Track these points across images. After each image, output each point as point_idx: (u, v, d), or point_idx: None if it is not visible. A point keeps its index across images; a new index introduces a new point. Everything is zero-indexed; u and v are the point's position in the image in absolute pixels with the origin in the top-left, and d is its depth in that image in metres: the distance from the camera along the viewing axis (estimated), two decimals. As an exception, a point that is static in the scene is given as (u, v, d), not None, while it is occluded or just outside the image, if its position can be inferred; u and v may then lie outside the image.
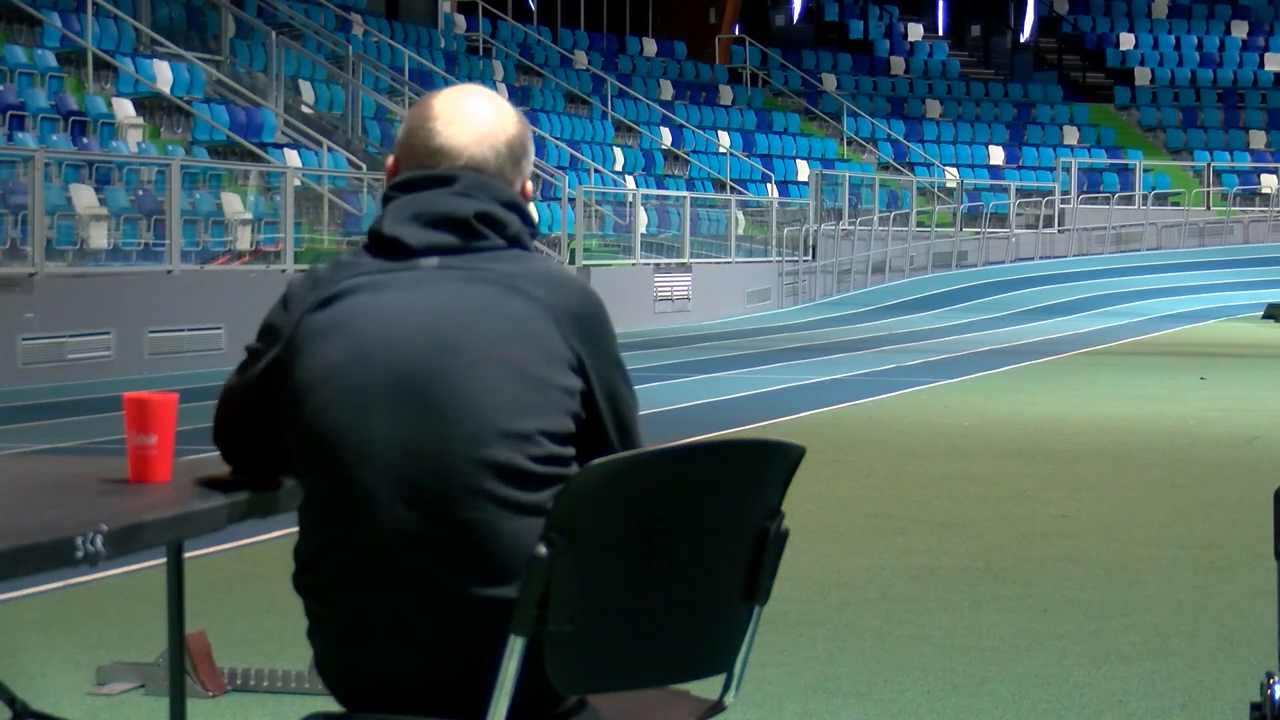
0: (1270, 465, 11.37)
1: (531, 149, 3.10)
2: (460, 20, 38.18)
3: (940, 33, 49.78)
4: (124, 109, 23.34)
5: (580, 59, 39.12)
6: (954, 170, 41.80)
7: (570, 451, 2.87)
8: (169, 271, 19.50)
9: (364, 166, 26.09)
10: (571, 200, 27.96)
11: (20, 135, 20.74)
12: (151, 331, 18.56)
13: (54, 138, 21.31)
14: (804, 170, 38.58)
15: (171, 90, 24.95)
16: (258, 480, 3.09)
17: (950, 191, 40.85)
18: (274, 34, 27.96)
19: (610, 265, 28.58)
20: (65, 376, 17.19)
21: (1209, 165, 43.78)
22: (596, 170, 32.30)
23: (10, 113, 21.13)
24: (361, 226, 23.02)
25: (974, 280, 36.66)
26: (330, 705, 2.92)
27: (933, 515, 9.34)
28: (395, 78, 30.97)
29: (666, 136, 37.00)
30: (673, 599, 2.83)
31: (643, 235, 29.57)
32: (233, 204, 21.54)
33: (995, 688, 5.77)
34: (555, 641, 2.70)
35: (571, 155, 32.30)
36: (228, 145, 24.07)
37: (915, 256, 37.25)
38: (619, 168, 33.95)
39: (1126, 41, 49.22)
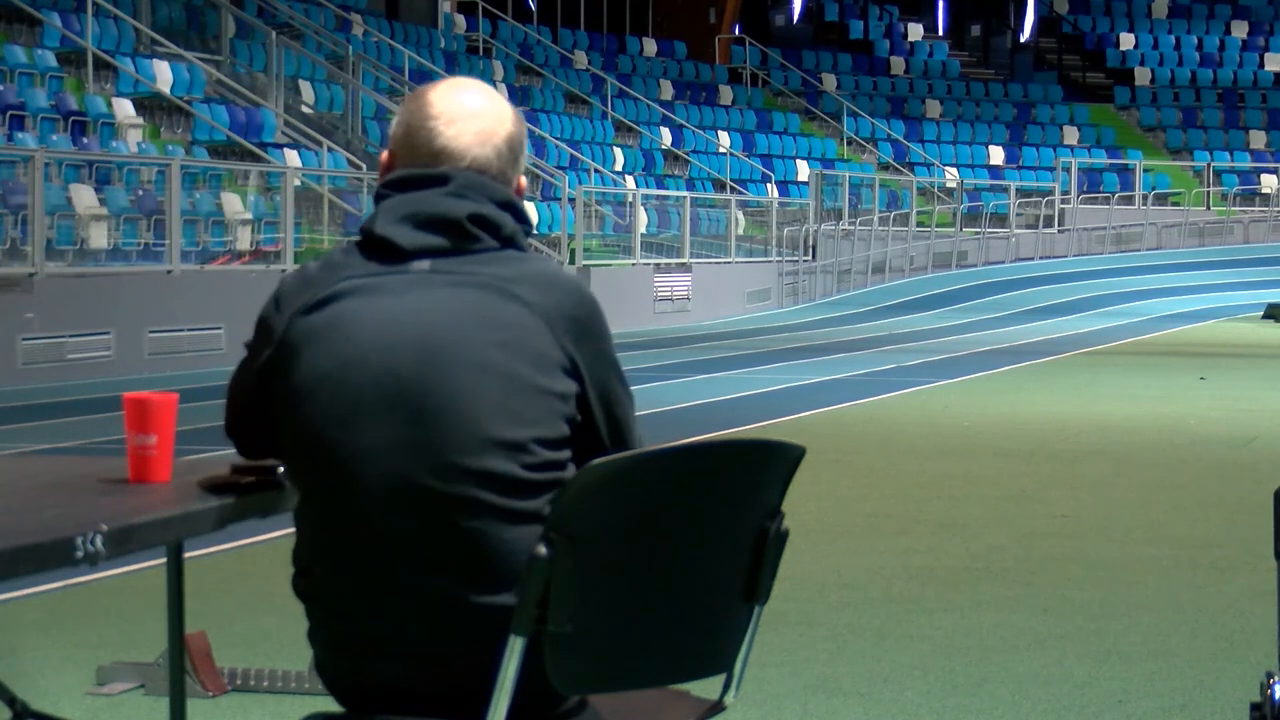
0: (1270, 465, 11.37)
1: (526, 143, 3.09)
2: (460, 20, 38.18)
3: (940, 33, 49.78)
4: (124, 109, 23.34)
5: (580, 59, 39.12)
6: (954, 170, 41.80)
7: (565, 455, 2.86)
8: (169, 271, 19.50)
9: (364, 166, 26.09)
10: (571, 200, 27.96)
11: (20, 135, 20.74)
12: (151, 331, 18.56)
13: (54, 138, 21.32)
14: (804, 170, 38.58)
15: (171, 90, 24.95)
16: (267, 473, 3.09)
17: (950, 191, 40.86)
18: (274, 34, 27.96)
19: (610, 265, 28.58)
20: (65, 376, 17.19)
21: (1209, 165, 43.79)
22: (596, 170, 32.30)
23: (10, 113, 21.13)
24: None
25: (974, 280, 36.66)
26: (330, 705, 2.92)
27: (933, 515, 9.34)
28: (395, 78, 30.97)
29: (666, 136, 37.00)
30: (673, 599, 2.83)
31: (643, 235, 29.57)
32: (233, 204, 21.54)
33: (995, 688, 5.77)
34: (555, 641, 2.70)
35: (571, 155, 32.30)
36: (228, 145, 24.07)
37: (915, 256, 37.25)
38: (619, 168, 33.95)
39: (1126, 41, 49.23)
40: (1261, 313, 31.90)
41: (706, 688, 3.00)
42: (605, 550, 2.74)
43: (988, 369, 19.72)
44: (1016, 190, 40.94)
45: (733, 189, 35.36)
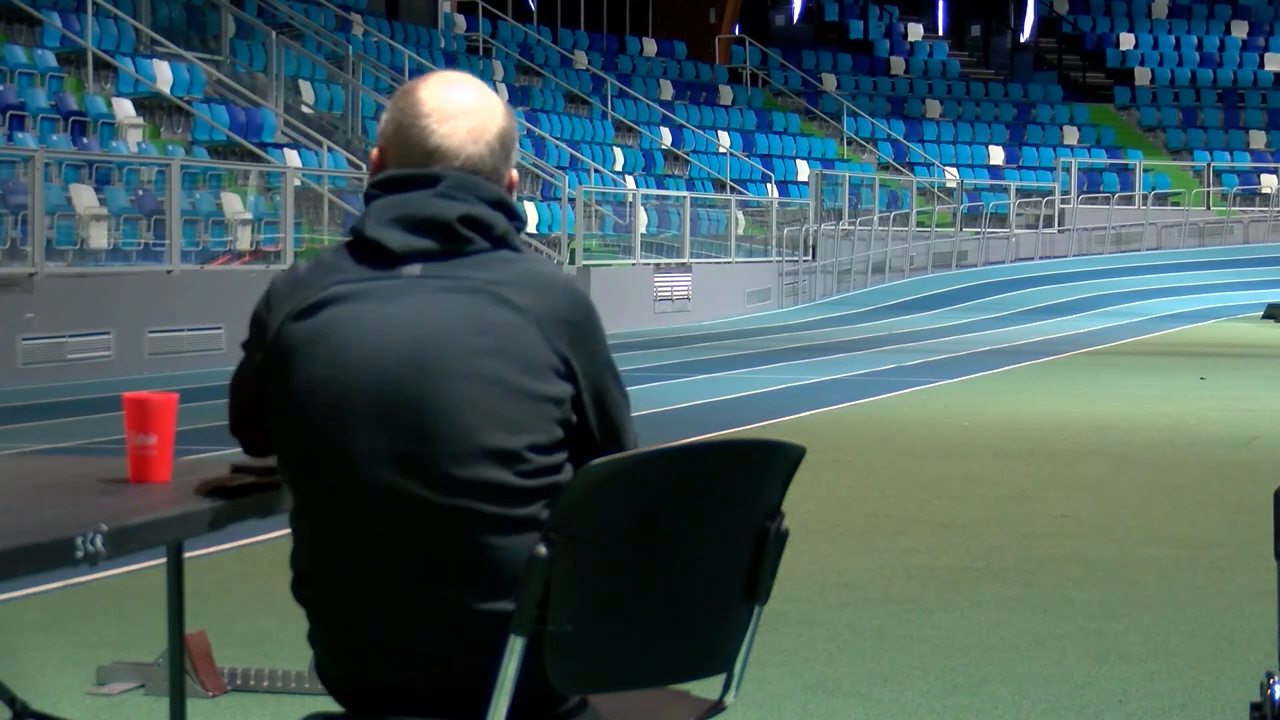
0: (1270, 465, 11.37)
1: (518, 136, 3.07)
2: (460, 20, 38.18)
3: (940, 33, 49.78)
4: (124, 109, 23.35)
5: (580, 59, 39.12)
6: (954, 170, 41.80)
7: (561, 459, 2.85)
8: (169, 271, 19.50)
9: (364, 166, 26.05)
10: (571, 200, 27.96)
11: (20, 135, 20.74)
12: (151, 331, 18.56)
13: (54, 138, 21.32)
14: (804, 170, 38.58)
15: (171, 90, 24.95)
16: (267, 473, 3.08)
17: (950, 191, 40.86)
18: (274, 34, 27.96)
19: (610, 265, 28.58)
20: (65, 376, 17.19)
21: (1209, 165, 43.79)
22: (596, 170, 32.30)
23: (10, 113, 21.13)
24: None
25: (974, 280, 36.66)
26: (330, 705, 2.92)
27: (933, 515, 9.34)
28: (395, 78, 30.96)
29: (666, 136, 37.00)
30: (673, 599, 2.83)
31: (643, 235, 29.57)
32: (233, 204, 21.54)
33: (995, 688, 5.77)
34: (555, 641, 2.70)
35: (571, 155, 32.31)
36: (228, 145, 24.07)
37: (915, 256, 37.25)
38: (619, 168, 33.95)
39: (1126, 41, 49.23)
40: (1261, 313, 31.90)
41: (706, 688, 3.00)
42: (605, 550, 2.74)
43: (988, 369, 19.72)
44: (1016, 190, 40.94)
45: (733, 189, 35.36)
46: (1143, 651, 6.29)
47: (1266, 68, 48.20)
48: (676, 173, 36.00)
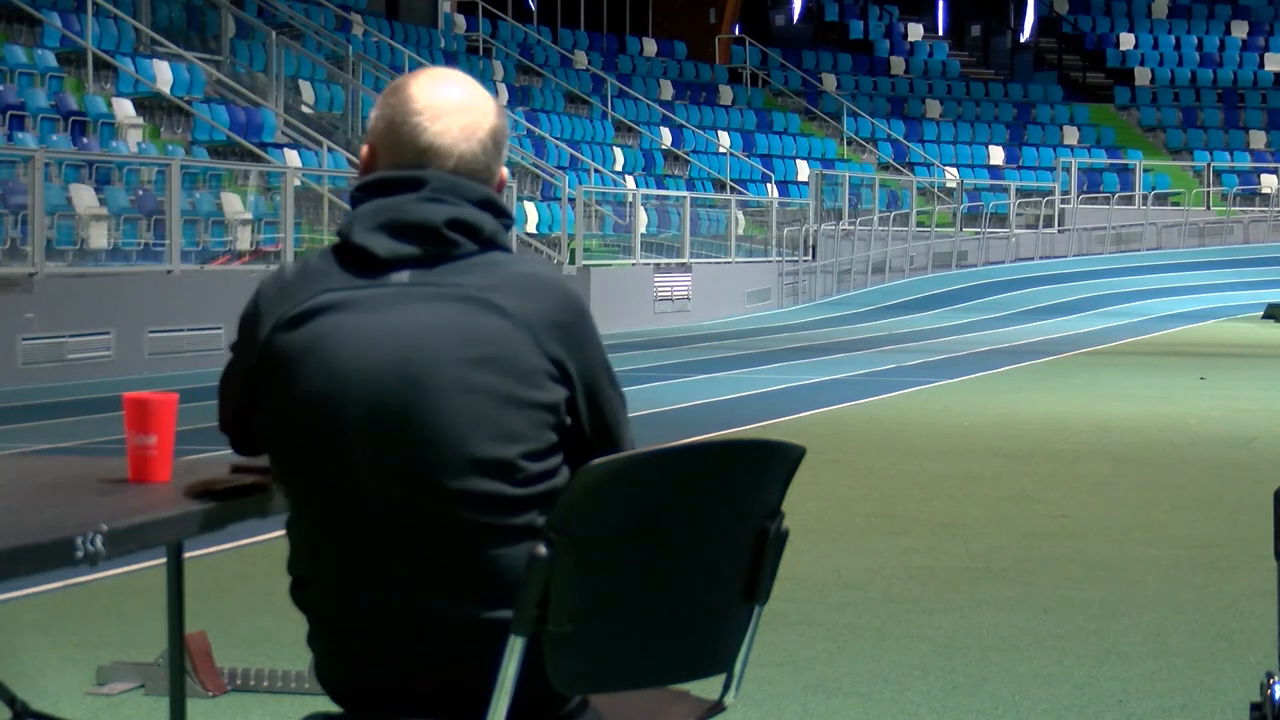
0: (1270, 465, 11.37)
1: (509, 133, 3.05)
2: (460, 20, 38.18)
3: (940, 33, 49.78)
4: (124, 109, 23.35)
5: (580, 59, 39.12)
6: (954, 170, 41.80)
7: (556, 462, 2.83)
8: (169, 271, 19.50)
9: (364, 166, 26.04)
10: (571, 200, 27.96)
11: (20, 135, 20.74)
12: (151, 331, 18.56)
13: (54, 138, 21.32)
14: (804, 170, 38.58)
15: (171, 90, 24.95)
16: (267, 472, 3.08)
17: (950, 191, 40.86)
18: (274, 34, 27.96)
19: (610, 265, 28.58)
20: (65, 376, 17.19)
21: (1209, 165, 43.79)
22: (596, 170, 32.30)
23: (10, 113, 21.13)
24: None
25: (974, 280, 36.66)
26: (331, 706, 2.92)
27: (933, 515, 9.34)
28: (395, 78, 30.82)
29: (666, 136, 37.00)
30: (673, 599, 2.83)
31: (643, 235, 29.57)
32: (233, 204, 21.54)
33: (995, 688, 5.77)
34: (555, 641, 2.69)
35: (571, 155, 32.31)
36: (228, 145, 24.07)
37: (915, 256, 37.25)
38: (619, 168, 33.95)
39: (1126, 41, 49.23)
40: (1261, 313, 31.90)
41: (706, 688, 3.00)
42: (605, 550, 2.74)
43: (988, 369, 19.72)
44: (1016, 190, 40.94)
45: (733, 189, 35.36)
46: (1143, 651, 6.29)
47: (1266, 68, 48.20)
48: (676, 173, 36.00)
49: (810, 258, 34.11)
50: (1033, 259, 39.46)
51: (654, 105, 37.80)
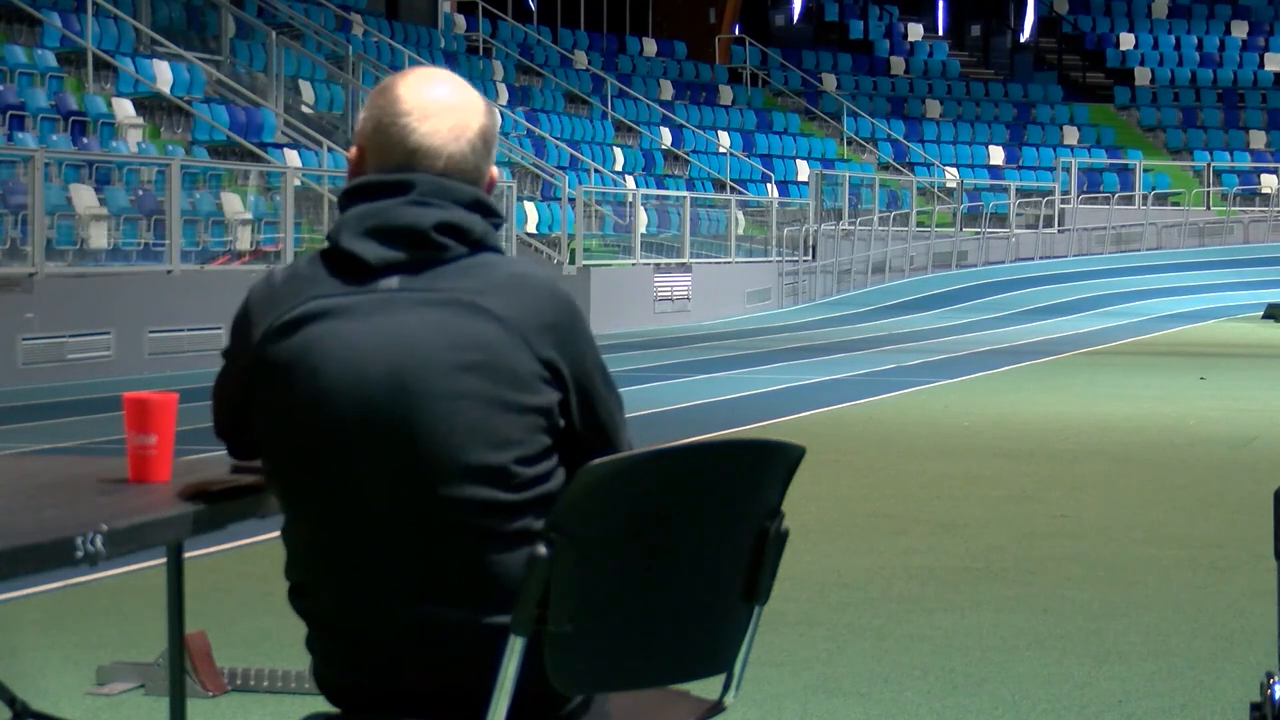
0: (1270, 465, 11.37)
1: (499, 133, 3.03)
2: (460, 20, 38.18)
3: (940, 33, 49.78)
4: (124, 109, 23.35)
5: (580, 59, 39.12)
6: (954, 170, 41.80)
7: (550, 466, 2.82)
8: (169, 271, 19.50)
9: (364, 166, 26.04)
10: (571, 200, 27.96)
11: (20, 135, 20.74)
12: (151, 331, 18.56)
13: (54, 138, 21.32)
14: (804, 170, 38.58)
15: (171, 90, 24.95)
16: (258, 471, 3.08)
17: (950, 191, 40.85)
18: (274, 34, 27.96)
19: (610, 265, 28.58)
20: (65, 376, 17.19)
21: (1209, 165, 43.79)
22: (596, 170, 32.30)
23: (10, 113, 21.13)
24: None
25: (974, 280, 36.66)
26: (330, 706, 2.92)
27: (933, 515, 9.34)
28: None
29: (666, 136, 37.00)
30: (673, 599, 2.83)
31: (643, 235, 29.57)
32: (233, 204, 21.54)
33: (995, 688, 5.77)
34: (555, 641, 2.69)
35: (571, 155, 32.30)
36: (228, 145, 24.07)
37: (915, 256, 37.25)
38: (619, 168, 33.95)
39: (1126, 41, 49.23)
40: (1261, 313, 31.90)
41: (706, 688, 3.00)
42: (605, 550, 2.74)
43: (988, 369, 19.72)
44: (1016, 190, 40.94)
45: (733, 189, 35.36)
46: (1143, 651, 6.29)
47: (1266, 68, 48.20)
48: (676, 173, 36.00)
49: (810, 258, 34.11)
50: (1033, 259, 39.46)
51: (654, 105, 37.80)
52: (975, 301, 33.98)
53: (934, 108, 44.95)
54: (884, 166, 40.92)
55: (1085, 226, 41.11)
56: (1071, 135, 44.71)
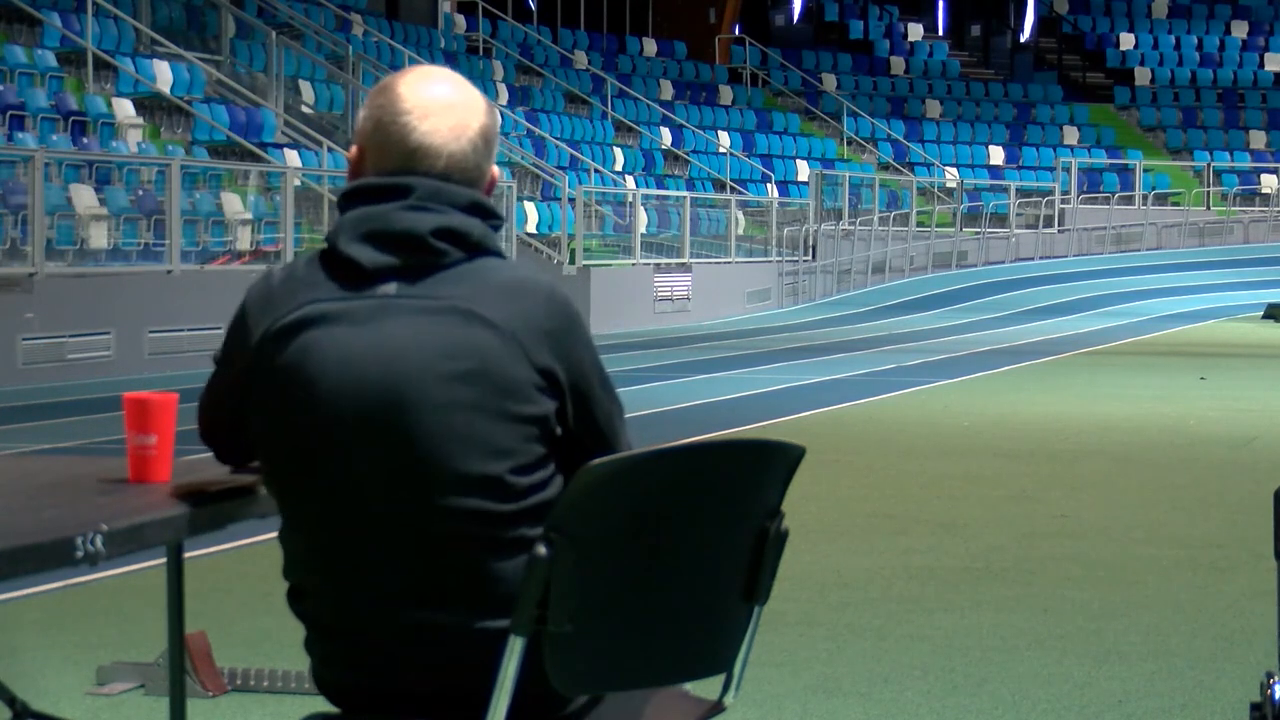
0: (1270, 465, 11.37)
1: (499, 131, 2.99)
2: (460, 20, 38.18)
3: (940, 33, 49.78)
4: (124, 109, 23.35)
5: (580, 59, 39.12)
6: (954, 170, 41.80)
7: (546, 474, 2.81)
8: (169, 271, 19.50)
9: (364, 166, 26.04)
10: (571, 200, 27.96)
11: (20, 135, 20.74)
12: (151, 331, 18.56)
13: (54, 138, 21.32)
14: (804, 170, 38.58)
15: (171, 90, 24.95)
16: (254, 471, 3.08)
17: (950, 191, 40.85)
18: (274, 34, 27.96)
19: (610, 265, 28.58)
20: (65, 376, 17.19)
21: (1209, 165, 43.79)
22: (596, 170, 32.30)
23: (10, 113, 21.13)
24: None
25: (974, 280, 36.66)
26: (330, 706, 2.92)
27: (933, 515, 9.34)
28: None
29: (666, 136, 37.00)
30: (673, 599, 2.82)
31: (643, 235, 29.57)
32: (233, 204, 21.54)
33: (995, 688, 5.77)
34: (555, 641, 2.69)
35: (571, 155, 32.30)
36: (228, 145, 24.07)
37: (915, 256, 37.25)
38: (619, 168, 33.95)
39: (1126, 41, 49.23)
40: (1261, 313, 31.90)
41: (706, 688, 3.00)
42: (605, 550, 2.74)
43: (988, 369, 19.72)
44: (1016, 190, 40.94)
45: (733, 189, 35.36)
46: (1143, 651, 6.29)
47: (1266, 68, 48.20)
48: (676, 173, 36.00)
49: (810, 258, 34.11)
50: (1033, 259, 39.46)
51: (654, 105, 37.80)
52: (975, 301, 33.98)
53: (934, 108, 44.95)
54: (884, 166, 40.92)
55: (1085, 226, 41.11)
56: (1071, 135, 44.71)
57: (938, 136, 43.52)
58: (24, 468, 3.67)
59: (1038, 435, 13.12)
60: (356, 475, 2.78)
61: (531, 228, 28.06)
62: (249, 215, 21.61)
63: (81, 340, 17.74)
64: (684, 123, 37.81)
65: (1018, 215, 40.58)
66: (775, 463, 2.90)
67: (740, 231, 33.13)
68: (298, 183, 22.47)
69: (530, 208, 28.48)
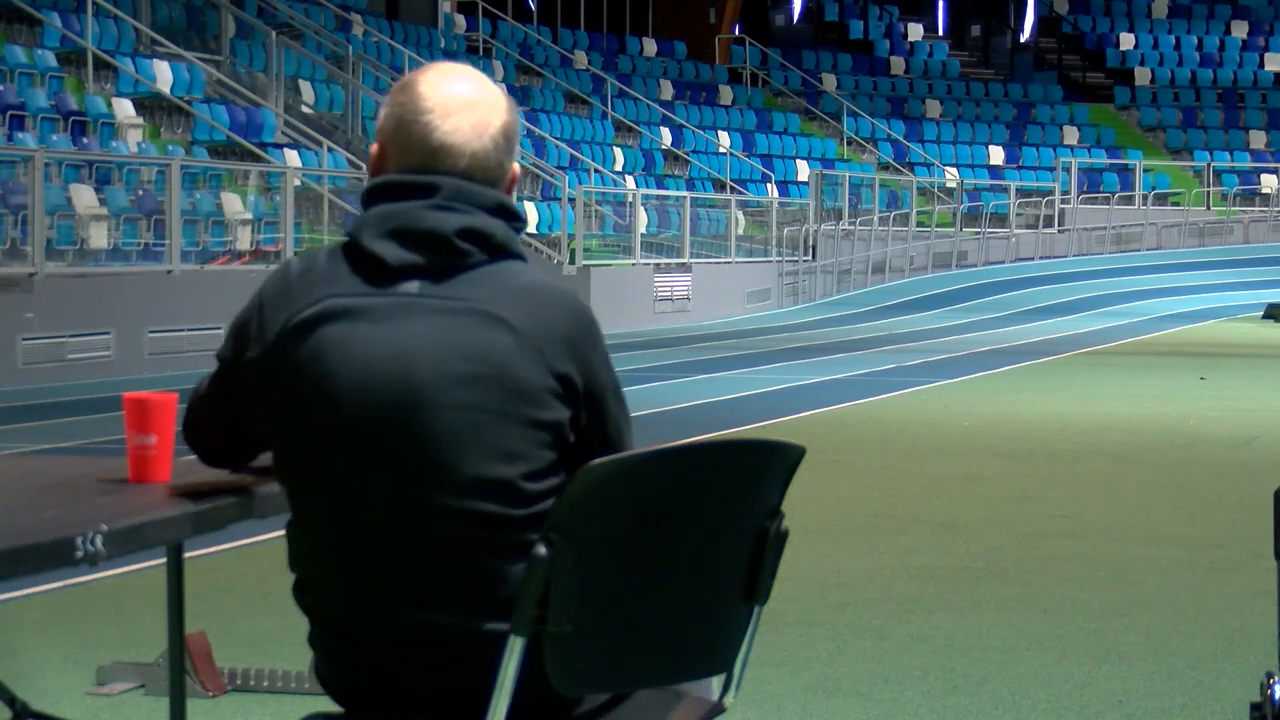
0: (1270, 465, 11.37)
1: (520, 128, 2.97)
2: (460, 20, 38.18)
3: (940, 33, 49.78)
4: (124, 109, 23.35)
5: (580, 59, 39.12)
6: (954, 170, 41.80)
7: (557, 481, 2.80)
8: (169, 271, 19.50)
9: (364, 166, 26.04)
10: (571, 200, 27.96)
11: (20, 135, 20.74)
12: (151, 331, 18.56)
13: (54, 138, 21.32)
14: (804, 170, 38.58)
15: (171, 90, 24.95)
16: (267, 473, 3.08)
17: (950, 191, 40.86)
18: (274, 34, 27.97)
19: (610, 265, 28.58)
20: (65, 376, 17.19)
21: (1209, 165, 43.79)
22: (596, 170, 32.30)
23: (10, 113, 21.14)
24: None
25: (974, 280, 36.66)
26: (330, 705, 2.92)
27: (933, 515, 9.34)
28: (395, 78, 30.87)
29: (666, 136, 37.00)
30: (673, 599, 2.82)
31: (643, 235, 29.57)
32: (233, 204, 21.55)
33: (995, 688, 5.77)
34: (555, 641, 2.69)
35: (571, 155, 32.30)
36: (228, 145, 24.08)
37: (915, 256, 37.25)
38: (619, 168, 33.95)
39: (1126, 41, 49.23)
40: (1261, 313, 31.90)
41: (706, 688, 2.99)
42: (605, 550, 2.73)
43: (988, 369, 19.71)
44: (1016, 190, 40.94)
45: (733, 189, 35.37)
46: (1143, 651, 6.29)
47: (1266, 68, 48.20)
48: (676, 173, 36.00)
49: (810, 258, 34.11)
50: (1033, 259, 39.46)
51: (654, 105, 37.80)
52: (975, 301, 33.98)
53: (934, 108, 44.96)
54: (884, 166, 40.92)
55: (1085, 226, 41.11)
56: (1071, 135, 44.71)
57: (938, 136, 43.53)
58: (24, 468, 3.68)
59: (1038, 435, 13.12)
60: (366, 473, 2.77)
61: (531, 228, 28.05)
62: (249, 215, 21.61)
63: (81, 340, 17.74)
64: (684, 123, 37.81)
65: (1018, 215, 40.58)
66: (775, 463, 2.90)
67: (740, 231, 33.13)
68: (298, 183, 22.47)
69: (530, 208, 28.48)
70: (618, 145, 35.15)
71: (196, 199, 21.12)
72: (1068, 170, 41.98)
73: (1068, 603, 7.12)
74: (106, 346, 18.04)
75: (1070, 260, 39.83)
